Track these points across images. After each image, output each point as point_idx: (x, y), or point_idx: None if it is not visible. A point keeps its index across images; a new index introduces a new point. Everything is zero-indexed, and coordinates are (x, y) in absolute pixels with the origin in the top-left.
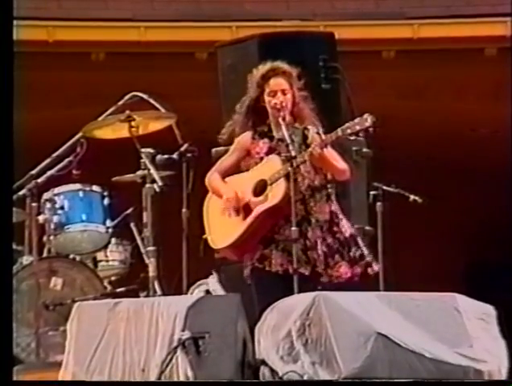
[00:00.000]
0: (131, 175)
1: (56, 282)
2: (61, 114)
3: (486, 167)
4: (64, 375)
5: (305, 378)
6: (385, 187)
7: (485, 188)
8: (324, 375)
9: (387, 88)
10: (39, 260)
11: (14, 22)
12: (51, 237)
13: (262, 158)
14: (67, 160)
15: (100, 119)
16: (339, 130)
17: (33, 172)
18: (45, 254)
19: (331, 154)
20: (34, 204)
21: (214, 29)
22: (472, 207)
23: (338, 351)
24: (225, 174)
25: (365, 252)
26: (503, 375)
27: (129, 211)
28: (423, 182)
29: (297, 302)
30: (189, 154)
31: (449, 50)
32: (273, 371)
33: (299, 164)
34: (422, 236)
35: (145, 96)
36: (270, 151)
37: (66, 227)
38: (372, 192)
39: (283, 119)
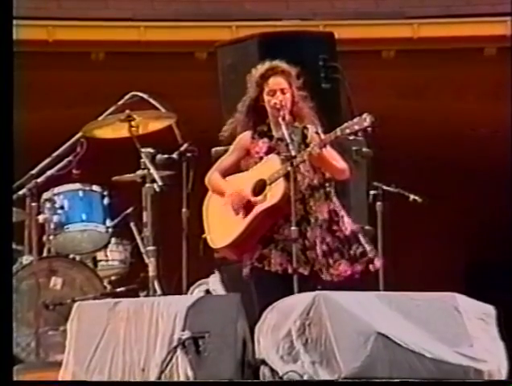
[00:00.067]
0: (131, 175)
1: (56, 282)
2: (61, 114)
3: (486, 167)
4: (64, 374)
5: (305, 378)
6: (385, 187)
7: (485, 188)
8: (323, 374)
9: (387, 88)
10: (39, 260)
11: (14, 22)
12: (51, 237)
13: (261, 158)
14: (67, 160)
15: (100, 119)
16: (338, 130)
17: (33, 172)
18: (45, 254)
19: (330, 154)
20: (34, 204)
21: (214, 29)
22: (472, 207)
23: (338, 351)
24: (225, 174)
25: (368, 248)
26: (503, 375)
27: (129, 210)
28: (423, 182)
29: (297, 302)
30: (189, 154)
31: (449, 49)
32: (273, 371)
33: (298, 164)
34: (422, 236)
35: (145, 96)
36: (269, 151)
37: (66, 226)
38: (372, 192)
39: (283, 118)
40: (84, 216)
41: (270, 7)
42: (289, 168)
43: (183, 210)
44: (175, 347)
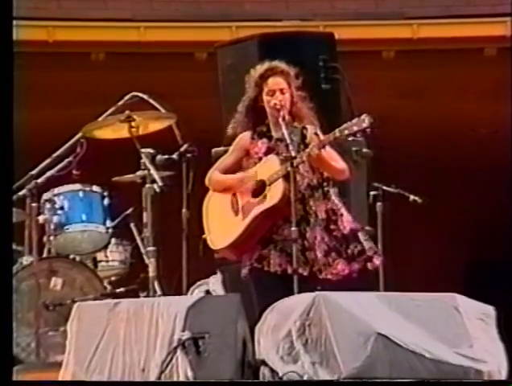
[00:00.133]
0: (131, 175)
1: (56, 282)
2: (61, 114)
3: (486, 167)
4: (64, 375)
5: (305, 378)
6: (385, 187)
7: (485, 188)
8: (323, 375)
9: (387, 88)
10: (39, 261)
11: (14, 22)
12: (51, 237)
13: (260, 158)
14: (67, 160)
15: (100, 119)
16: (336, 131)
17: (33, 172)
18: (45, 254)
19: (329, 155)
20: (34, 204)
21: (214, 29)
22: (472, 207)
23: (338, 351)
24: (225, 174)
25: (367, 246)
26: (503, 376)
27: (129, 211)
28: (422, 183)
29: (297, 302)
30: (189, 154)
31: (449, 50)
32: (273, 372)
33: (297, 164)
34: (422, 236)
35: (145, 97)
36: (268, 151)
37: (66, 227)
38: (372, 192)
39: (283, 119)
40: (84, 217)
41: (269, 8)
42: (289, 168)
43: (183, 210)
44: (175, 348)
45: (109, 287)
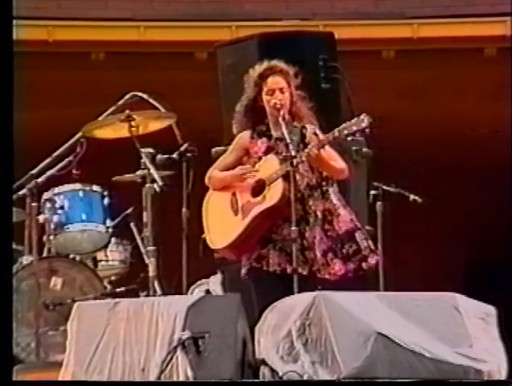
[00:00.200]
0: (131, 175)
1: (56, 282)
2: (61, 114)
3: (486, 167)
4: (64, 375)
5: (305, 378)
6: (385, 187)
7: (485, 188)
8: (323, 374)
9: (387, 88)
10: (39, 260)
11: (14, 22)
12: (51, 237)
13: (260, 158)
14: (67, 160)
15: (100, 119)
16: (336, 131)
17: (33, 172)
18: (45, 254)
19: (329, 154)
20: (34, 204)
21: (214, 29)
22: (472, 207)
23: (338, 351)
24: None
25: (363, 246)
26: (503, 376)
27: (129, 210)
28: (423, 182)
29: (297, 302)
30: (189, 154)
31: (449, 50)
32: (273, 371)
33: (297, 164)
34: (422, 236)
35: (145, 96)
36: (268, 150)
37: (66, 226)
38: (372, 192)
39: (283, 118)
40: (84, 216)
41: (269, 7)
42: (289, 168)
43: (183, 210)
44: (175, 347)
45: (109, 287)
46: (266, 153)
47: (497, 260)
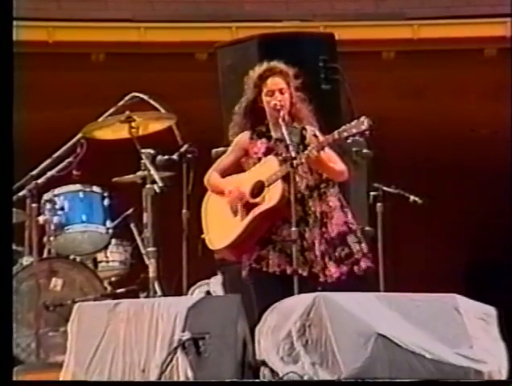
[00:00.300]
0: (131, 176)
1: (56, 283)
2: (61, 114)
3: (486, 167)
4: (64, 375)
5: (305, 378)
6: (385, 188)
7: (484, 188)
8: (324, 375)
9: (387, 89)
10: (39, 261)
11: (14, 23)
12: (52, 238)
13: (260, 159)
14: (67, 161)
15: (100, 120)
16: (335, 133)
17: (33, 173)
18: (45, 255)
19: (328, 156)
20: (34, 205)
21: (214, 29)
22: (472, 207)
23: (338, 352)
24: (224, 174)
25: (355, 249)
26: (503, 376)
27: (129, 211)
28: (423, 183)
29: (297, 303)
30: (189, 155)
31: (449, 50)
32: (273, 372)
33: (296, 165)
34: (422, 237)
35: (145, 97)
36: (268, 151)
37: (66, 227)
38: (372, 193)
39: (283, 119)
40: (84, 217)
41: (269, 8)
42: (289, 169)
43: (184, 211)
44: (176, 348)
45: (109, 288)
46: (266, 154)
47: (497, 260)
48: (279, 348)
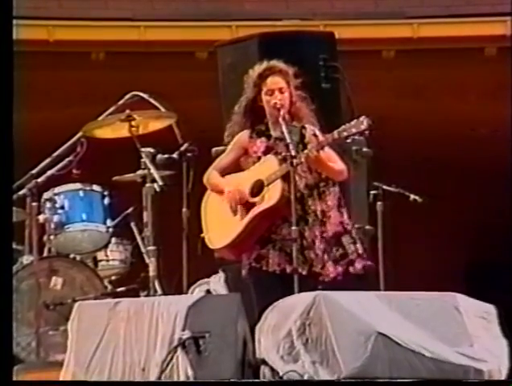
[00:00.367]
0: (131, 175)
1: (56, 282)
2: (61, 114)
3: (486, 167)
4: (64, 374)
5: (305, 377)
6: (385, 187)
7: (484, 188)
8: (324, 374)
9: (387, 88)
10: (40, 260)
11: (14, 22)
12: (52, 237)
13: (259, 158)
14: (67, 159)
15: (100, 118)
16: (335, 133)
17: (33, 171)
18: (45, 254)
19: (328, 156)
20: (34, 204)
21: (214, 28)
22: (472, 206)
23: (338, 351)
24: (223, 173)
25: (349, 250)
26: (503, 375)
27: (129, 210)
28: (423, 182)
29: (297, 302)
30: (189, 154)
31: (449, 49)
32: (273, 371)
33: (296, 165)
34: (422, 236)
35: (145, 96)
36: (267, 150)
37: (66, 226)
38: (372, 192)
39: (283, 118)
40: (84, 216)
41: (270, 7)
42: (289, 168)
43: (184, 210)
44: (176, 347)
45: (109, 286)
46: (265, 153)
47: (497, 260)
48: (279, 347)
